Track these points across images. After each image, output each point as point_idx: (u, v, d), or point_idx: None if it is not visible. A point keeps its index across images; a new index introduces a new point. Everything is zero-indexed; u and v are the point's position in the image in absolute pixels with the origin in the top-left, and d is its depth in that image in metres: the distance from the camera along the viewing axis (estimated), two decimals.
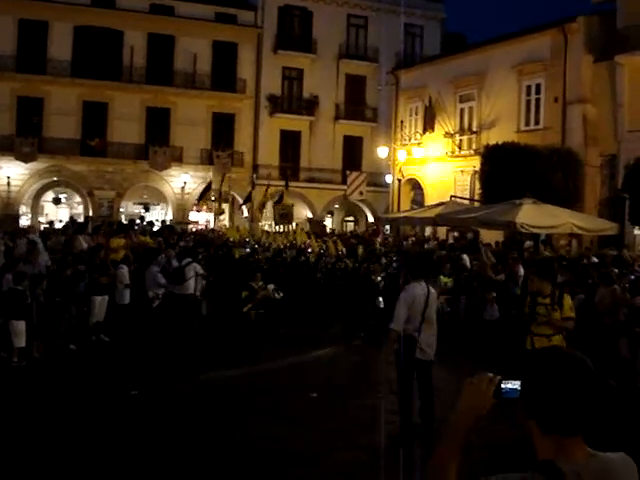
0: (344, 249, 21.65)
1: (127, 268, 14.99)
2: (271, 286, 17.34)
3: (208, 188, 30.87)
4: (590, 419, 2.18)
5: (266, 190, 29.05)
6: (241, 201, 37.58)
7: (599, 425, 2.27)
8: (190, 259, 15.38)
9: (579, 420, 2.18)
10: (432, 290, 8.43)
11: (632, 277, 12.87)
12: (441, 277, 17.02)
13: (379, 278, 16.23)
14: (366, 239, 26.42)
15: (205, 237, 24.71)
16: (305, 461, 7.53)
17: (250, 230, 28.58)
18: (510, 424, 3.33)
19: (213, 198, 30.95)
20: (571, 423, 2.18)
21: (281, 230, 27.93)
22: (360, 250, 21.60)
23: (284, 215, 28.03)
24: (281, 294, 17.32)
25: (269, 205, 30.59)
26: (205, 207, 35.47)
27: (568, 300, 8.46)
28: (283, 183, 30.57)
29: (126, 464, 7.30)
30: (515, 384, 2.25)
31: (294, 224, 29.06)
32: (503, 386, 2.25)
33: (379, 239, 26.88)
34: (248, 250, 21.16)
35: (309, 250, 21.41)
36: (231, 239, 23.41)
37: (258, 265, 19.12)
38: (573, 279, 13.58)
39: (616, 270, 13.58)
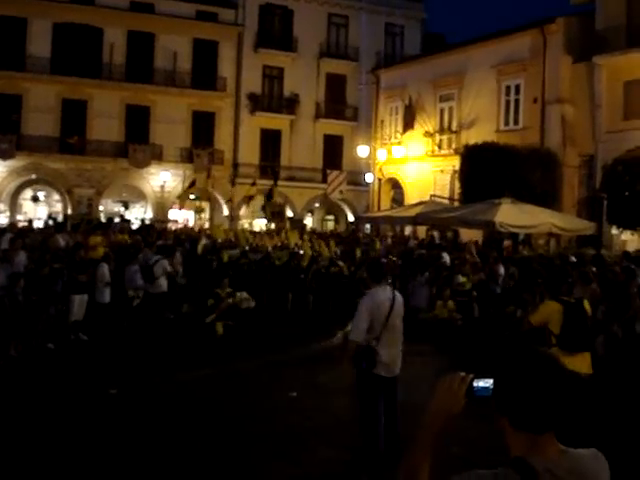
0: (338, 250, 20.36)
1: (107, 266, 14.89)
2: (242, 294, 15.27)
3: (192, 185, 30.65)
4: (561, 416, 2.21)
5: (252, 184, 28.78)
6: (221, 200, 37.57)
7: (571, 422, 2.29)
8: (159, 256, 15.25)
9: (550, 417, 2.20)
10: (398, 296, 7.56)
11: None
12: (459, 277, 16.26)
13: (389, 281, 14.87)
14: (357, 239, 25.63)
15: (190, 236, 23.67)
16: (286, 460, 7.54)
17: (233, 229, 28.24)
18: (482, 419, 3.36)
19: (193, 196, 30.82)
20: (542, 420, 2.20)
21: (272, 229, 27.21)
22: (358, 252, 20.42)
23: (276, 213, 27.73)
24: (253, 303, 15.28)
25: (253, 200, 30.46)
26: (186, 205, 35.21)
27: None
28: (265, 182, 30.49)
29: (104, 463, 7.27)
30: (487, 382, 2.24)
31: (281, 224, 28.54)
32: (475, 385, 2.25)
33: (360, 237, 26.69)
34: (237, 251, 19.63)
35: (301, 252, 19.74)
36: (219, 240, 21.94)
37: (250, 268, 17.80)
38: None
39: (594, 269, 13.71)
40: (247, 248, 20.29)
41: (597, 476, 2.29)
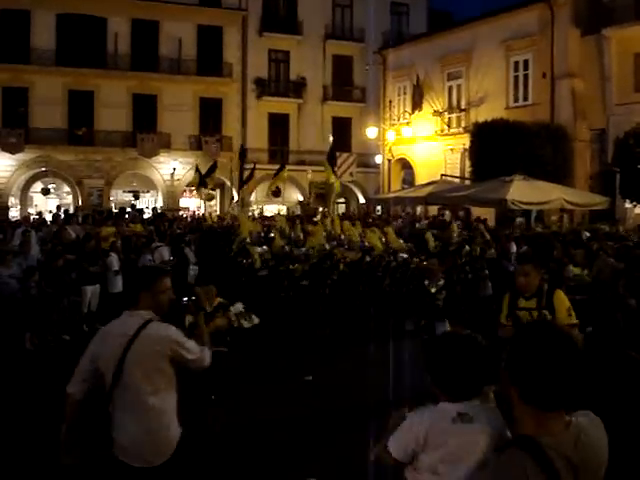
0: (405, 244, 15.63)
1: (116, 255, 14.88)
2: (238, 306, 9.65)
3: (213, 169, 29.37)
4: (572, 396, 2.20)
5: (279, 171, 27.30)
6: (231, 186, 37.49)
7: (580, 402, 2.26)
8: (160, 244, 15.24)
9: (560, 396, 2.20)
10: (152, 330, 4.39)
11: None
12: (570, 267, 12.55)
13: (440, 282, 10.08)
14: (437, 224, 22.11)
15: (211, 227, 20.90)
16: (304, 444, 7.50)
17: (240, 215, 27.35)
18: None
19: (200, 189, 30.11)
20: (552, 398, 2.20)
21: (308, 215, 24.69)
22: (430, 241, 15.49)
23: (321, 196, 26.16)
24: (255, 320, 9.44)
25: (261, 186, 29.80)
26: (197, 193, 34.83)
27: (561, 298, 6.19)
28: (272, 167, 30.09)
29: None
30: None
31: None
32: None
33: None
34: (265, 247, 15.59)
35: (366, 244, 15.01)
36: (247, 239, 16.48)
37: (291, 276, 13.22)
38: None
39: (611, 243, 13.61)
40: (287, 248, 15.36)
41: (599, 444, 2.32)
